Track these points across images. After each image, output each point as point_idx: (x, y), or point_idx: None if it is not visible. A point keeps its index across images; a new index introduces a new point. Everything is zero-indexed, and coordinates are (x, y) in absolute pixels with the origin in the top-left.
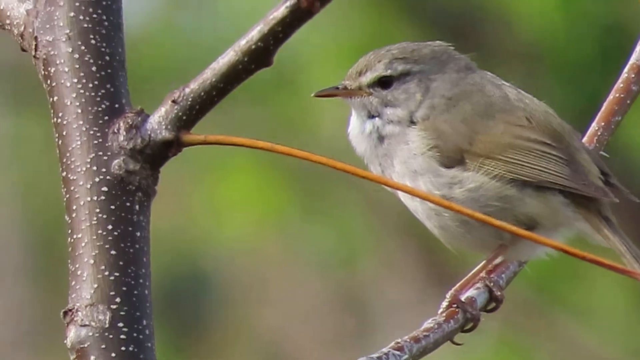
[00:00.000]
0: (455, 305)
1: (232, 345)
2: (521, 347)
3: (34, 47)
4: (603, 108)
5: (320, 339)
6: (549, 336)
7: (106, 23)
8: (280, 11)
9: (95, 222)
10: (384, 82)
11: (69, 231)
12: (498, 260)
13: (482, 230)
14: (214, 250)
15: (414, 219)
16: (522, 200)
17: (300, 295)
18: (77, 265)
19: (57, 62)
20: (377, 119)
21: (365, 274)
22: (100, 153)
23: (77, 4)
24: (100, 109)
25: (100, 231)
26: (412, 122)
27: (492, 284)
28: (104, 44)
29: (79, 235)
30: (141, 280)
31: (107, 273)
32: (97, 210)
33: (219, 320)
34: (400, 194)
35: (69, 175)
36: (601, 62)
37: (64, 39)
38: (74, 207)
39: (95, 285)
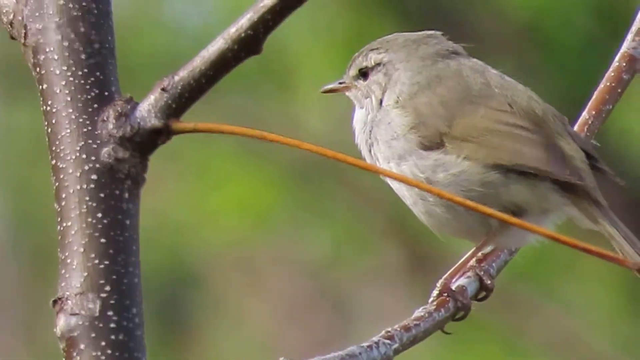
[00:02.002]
0: (445, 294)
1: (223, 342)
2: (511, 338)
3: (23, 35)
4: (594, 97)
5: (310, 336)
6: (538, 327)
7: (95, 11)
8: None
9: (85, 210)
10: (363, 74)
11: (59, 219)
12: (488, 248)
13: (467, 216)
14: (204, 249)
15: (404, 216)
16: (507, 186)
17: (290, 293)
18: (66, 254)
19: (47, 49)
20: (363, 109)
21: (354, 273)
22: (90, 141)
23: None
24: (89, 96)
25: (89, 219)
26: (392, 106)
27: (482, 273)
28: (94, 32)
29: (69, 224)
30: (131, 269)
31: (96, 261)
32: (87, 198)
33: (210, 318)
34: (388, 180)
35: (58, 163)
36: (594, 49)
37: (53, 27)
38: (63, 195)
39: (85, 274)
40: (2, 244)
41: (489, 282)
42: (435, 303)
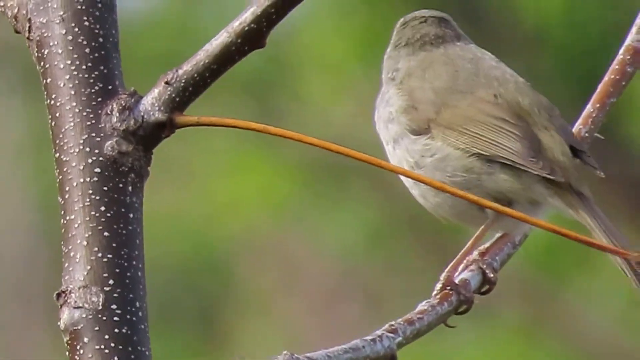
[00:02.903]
0: (449, 288)
1: (248, 332)
2: (526, 329)
3: (27, 29)
4: (598, 90)
5: (334, 327)
6: (554, 318)
7: (99, 5)
8: None
9: (88, 203)
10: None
11: (62, 212)
12: (493, 238)
13: (457, 202)
14: (230, 239)
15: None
16: (491, 174)
17: (316, 284)
18: (70, 247)
19: (51, 43)
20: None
21: (380, 263)
22: (93, 134)
23: None
24: (93, 90)
25: (93, 212)
26: (393, 84)
27: (485, 266)
28: (98, 26)
29: (72, 217)
30: (134, 262)
31: (100, 255)
32: (90, 191)
33: (235, 309)
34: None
35: (62, 157)
36: (601, 42)
37: (57, 21)
38: (67, 189)
39: (89, 267)
40: (20, 236)
41: (491, 275)
42: (438, 297)
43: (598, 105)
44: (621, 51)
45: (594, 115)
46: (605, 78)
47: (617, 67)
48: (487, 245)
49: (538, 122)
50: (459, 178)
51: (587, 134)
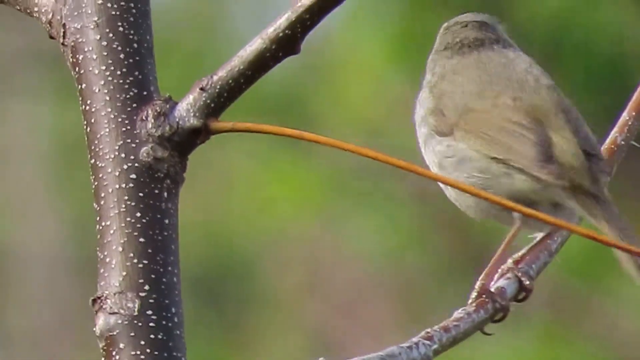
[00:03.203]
0: (484, 296)
1: (276, 333)
2: (563, 334)
3: (62, 34)
4: (634, 97)
5: (364, 328)
6: (587, 322)
7: (134, 10)
8: None
9: (124, 209)
10: None
11: (98, 219)
12: (529, 245)
13: (481, 204)
14: (257, 240)
15: (457, 209)
16: (510, 176)
17: (344, 284)
18: (105, 253)
19: (85, 49)
20: None
21: (410, 266)
22: (129, 140)
23: None
24: (128, 96)
25: (128, 219)
26: (426, 85)
27: (521, 274)
28: (132, 32)
29: (108, 223)
30: (170, 268)
31: (135, 261)
32: (126, 197)
33: (263, 313)
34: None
35: (97, 163)
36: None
37: (92, 27)
38: (102, 195)
39: (124, 273)
40: (54, 243)
41: (527, 282)
42: (474, 304)
43: (634, 113)
44: None
45: (630, 123)
46: None
47: None
48: (522, 252)
49: (554, 124)
50: (475, 179)
51: (623, 142)
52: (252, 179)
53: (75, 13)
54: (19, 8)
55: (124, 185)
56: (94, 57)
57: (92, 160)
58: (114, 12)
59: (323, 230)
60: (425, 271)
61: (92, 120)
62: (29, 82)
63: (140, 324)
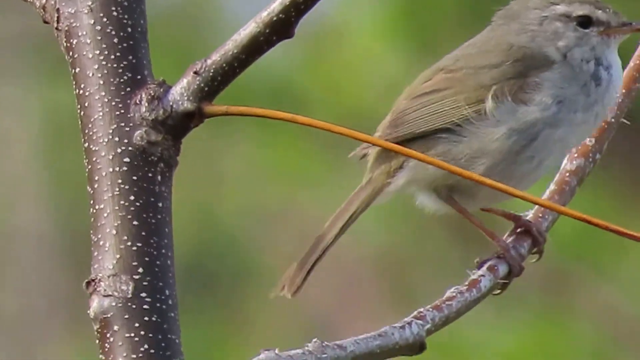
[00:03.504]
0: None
1: (271, 316)
2: (559, 317)
3: (56, 19)
4: (623, 75)
5: (358, 309)
6: (588, 305)
7: None
8: None
9: (118, 192)
10: None
11: (91, 202)
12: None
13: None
14: (250, 222)
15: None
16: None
17: (338, 266)
18: (99, 236)
19: (79, 34)
20: None
21: (404, 246)
22: (122, 124)
23: None
24: (122, 80)
25: (122, 202)
26: None
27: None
28: (126, 16)
29: (101, 206)
30: (163, 251)
31: (129, 243)
32: (119, 181)
33: (257, 292)
34: None
35: (91, 146)
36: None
37: (85, 11)
38: (96, 178)
39: (118, 256)
40: (44, 225)
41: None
42: (467, 283)
43: (624, 90)
44: None
45: (620, 100)
46: (631, 64)
47: None
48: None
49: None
50: None
51: (613, 120)
52: (245, 162)
53: None
54: None
55: (117, 169)
56: (88, 41)
57: (86, 144)
58: None
59: (318, 211)
60: (420, 252)
61: (86, 104)
62: (18, 65)
63: (134, 306)
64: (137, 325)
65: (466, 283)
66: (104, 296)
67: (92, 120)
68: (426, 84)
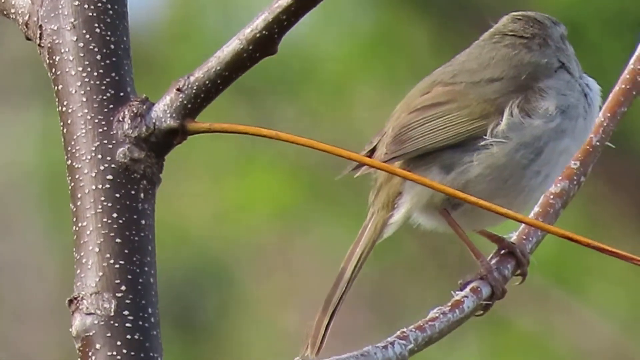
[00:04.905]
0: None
1: (252, 336)
2: (536, 337)
3: (38, 35)
4: (609, 99)
5: (340, 330)
6: (564, 324)
7: (111, 12)
8: None
9: (100, 210)
10: None
11: (74, 219)
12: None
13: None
14: (234, 245)
15: None
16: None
17: (319, 287)
18: (82, 254)
19: (62, 50)
20: None
21: (386, 271)
22: (105, 141)
23: None
24: (105, 97)
25: (105, 219)
26: None
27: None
28: (109, 33)
29: (84, 224)
30: (146, 269)
31: (112, 261)
32: (102, 198)
33: (240, 316)
34: None
35: (74, 164)
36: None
37: (68, 28)
38: (79, 196)
39: (101, 274)
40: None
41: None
42: (450, 304)
43: (609, 114)
44: (632, 61)
45: (605, 124)
46: (616, 87)
47: (627, 76)
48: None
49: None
50: None
51: (598, 143)
52: (228, 181)
53: (52, 14)
54: None
55: (100, 186)
56: (71, 58)
57: (69, 161)
58: (90, 14)
59: (299, 233)
60: (401, 274)
61: (69, 121)
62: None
63: (116, 324)
64: (119, 343)
65: (449, 304)
66: (86, 314)
67: (74, 137)
68: (425, 96)
